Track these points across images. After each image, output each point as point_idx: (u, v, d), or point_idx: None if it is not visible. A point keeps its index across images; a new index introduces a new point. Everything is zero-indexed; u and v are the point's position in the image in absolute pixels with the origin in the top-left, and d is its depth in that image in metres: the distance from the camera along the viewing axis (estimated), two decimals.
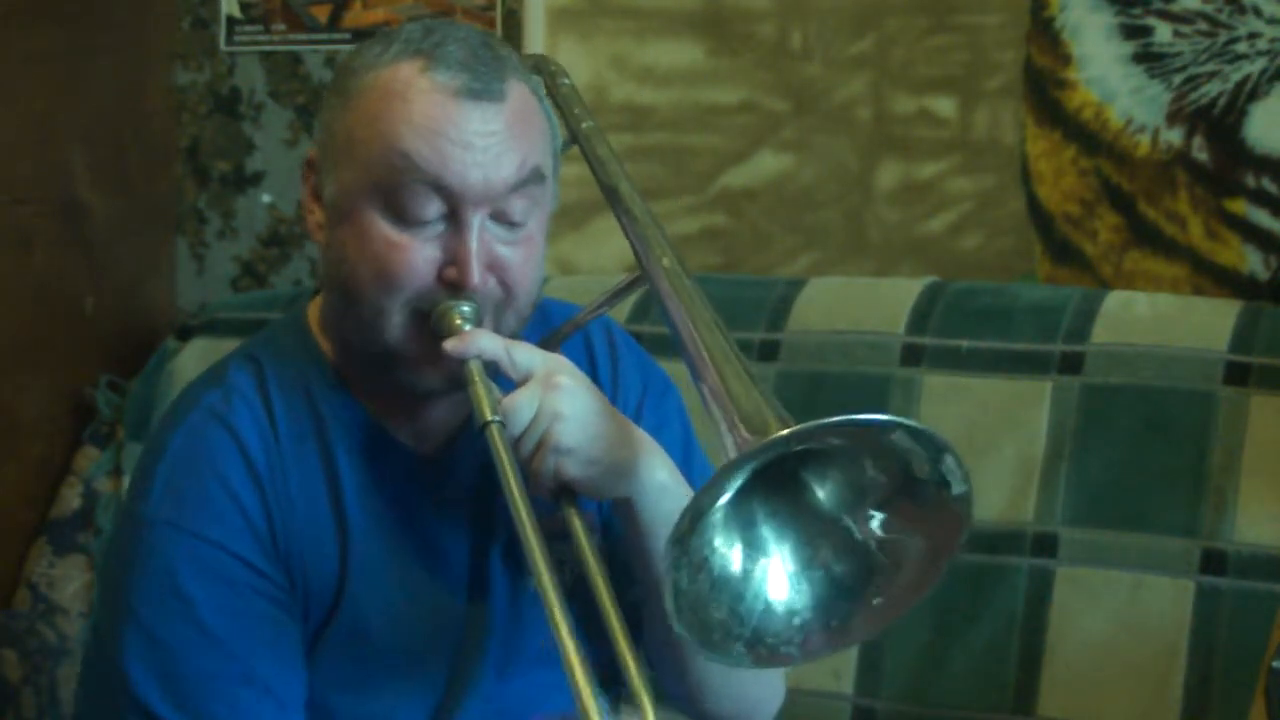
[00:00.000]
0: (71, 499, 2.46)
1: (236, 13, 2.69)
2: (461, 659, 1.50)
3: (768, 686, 1.60)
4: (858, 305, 2.24)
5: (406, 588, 1.48)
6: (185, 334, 2.54)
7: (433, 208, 1.40)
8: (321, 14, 2.66)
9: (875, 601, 1.26)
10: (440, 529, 1.50)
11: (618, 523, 1.48)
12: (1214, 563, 1.97)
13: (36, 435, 2.47)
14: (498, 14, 2.57)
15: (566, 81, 1.55)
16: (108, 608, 1.46)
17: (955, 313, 2.18)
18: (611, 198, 1.49)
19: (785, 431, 1.15)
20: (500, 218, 1.42)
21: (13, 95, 2.41)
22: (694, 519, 1.18)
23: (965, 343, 2.15)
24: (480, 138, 1.40)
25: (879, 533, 1.25)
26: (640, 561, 1.44)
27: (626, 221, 1.46)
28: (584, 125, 1.56)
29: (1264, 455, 1.99)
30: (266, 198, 2.70)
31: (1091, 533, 2.03)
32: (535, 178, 1.43)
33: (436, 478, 1.51)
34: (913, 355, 2.16)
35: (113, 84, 2.60)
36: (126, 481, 2.43)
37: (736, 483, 1.19)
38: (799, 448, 1.20)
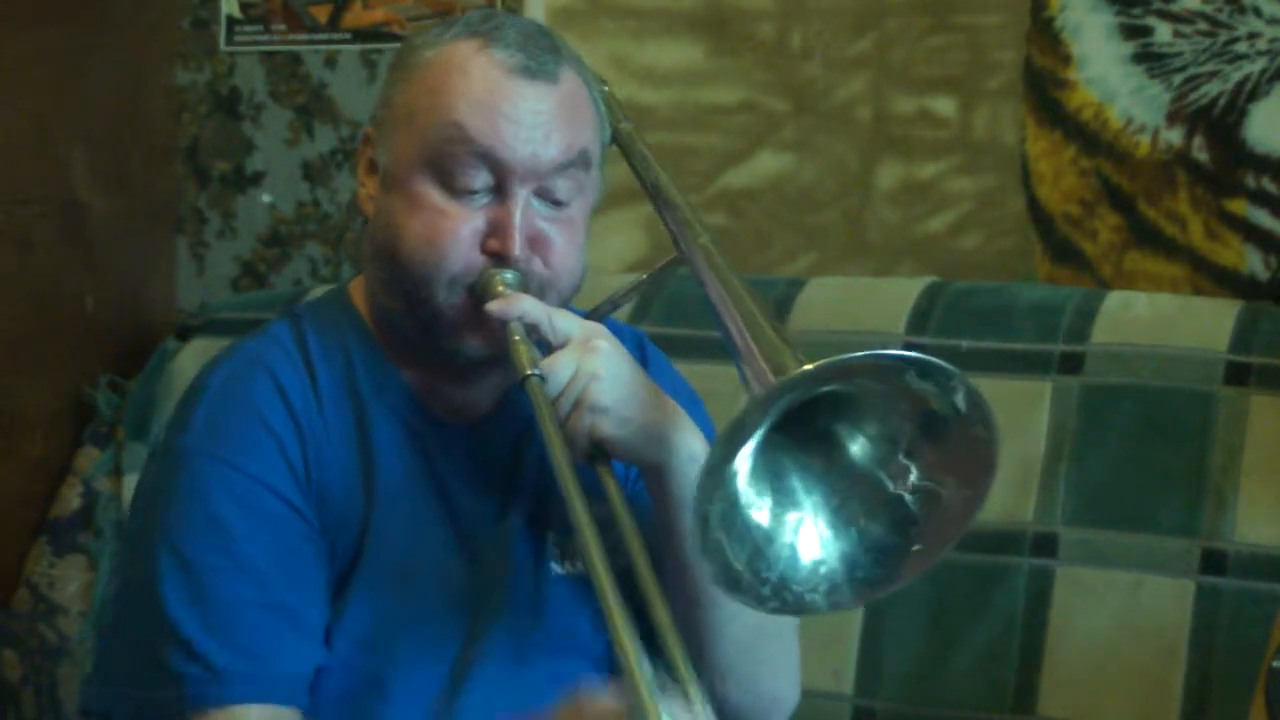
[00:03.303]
0: (71, 499, 2.46)
1: (236, 13, 2.69)
2: (472, 636, 1.50)
3: (785, 681, 1.61)
4: (858, 305, 2.24)
5: (427, 555, 1.50)
6: (185, 334, 2.54)
7: (481, 179, 1.45)
8: (321, 14, 2.66)
9: (903, 555, 1.28)
10: (467, 501, 1.52)
11: (643, 493, 1.49)
12: (1214, 563, 1.97)
13: (36, 435, 2.47)
14: (498, 13, 2.57)
15: (605, 88, 1.58)
16: (142, 535, 1.47)
17: (955, 313, 2.18)
18: (653, 191, 1.54)
19: (809, 366, 1.17)
20: (545, 195, 1.47)
21: (13, 95, 2.41)
22: (728, 449, 1.20)
23: (965, 343, 2.15)
24: (532, 114, 1.45)
25: (910, 484, 1.27)
26: (665, 533, 1.45)
27: (667, 211, 1.51)
28: (622, 125, 1.61)
29: (1264, 455, 1.99)
30: (266, 198, 2.70)
31: (1091, 533, 2.03)
32: (582, 160, 1.48)
33: (468, 448, 1.53)
34: None
35: (113, 84, 2.60)
36: (126, 481, 2.44)
37: (766, 422, 1.21)
38: (823, 388, 1.22)
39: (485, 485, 1.53)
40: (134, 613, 1.45)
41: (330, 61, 2.66)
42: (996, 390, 2.10)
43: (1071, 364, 2.09)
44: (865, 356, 1.19)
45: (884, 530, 1.28)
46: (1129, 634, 1.98)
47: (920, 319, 2.18)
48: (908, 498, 1.27)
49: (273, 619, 1.42)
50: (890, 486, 1.28)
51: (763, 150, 2.46)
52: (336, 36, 2.65)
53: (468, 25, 1.49)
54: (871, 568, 1.28)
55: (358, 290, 1.57)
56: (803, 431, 1.26)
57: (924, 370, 1.20)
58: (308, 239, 2.69)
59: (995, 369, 2.12)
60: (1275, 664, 1.64)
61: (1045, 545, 2.04)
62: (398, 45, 2.62)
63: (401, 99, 1.49)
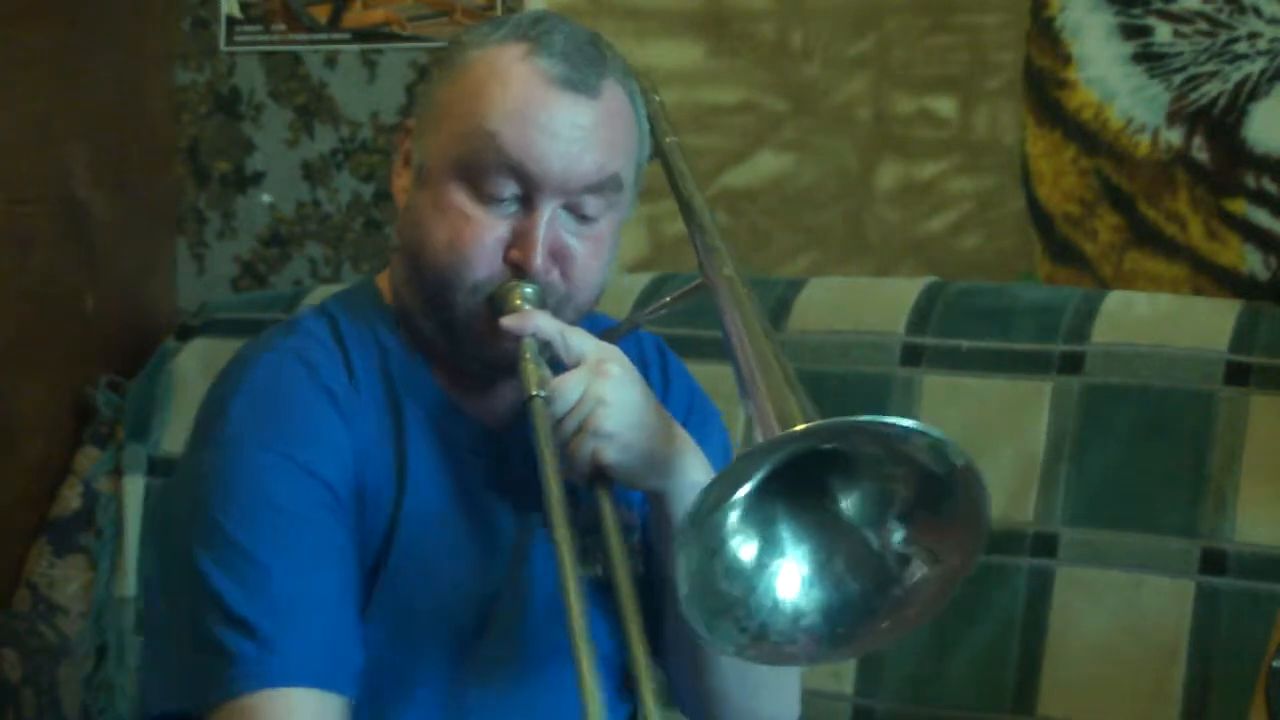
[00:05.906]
0: (71, 499, 2.46)
1: (236, 13, 2.69)
2: (490, 634, 1.50)
3: (783, 704, 1.60)
4: (858, 305, 2.24)
5: (451, 552, 1.49)
6: (185, 334, 2.54)
7: (509, 189, 1.44)
8: (321, 14, 2.66)
9: (884, 616, 1.27)
10: (492, 506, 1.52)
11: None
12: (1214, 563, 1.97)
13: (36, 435, 2.47)
14: (498, 14, 2.57)
15: (657, 99, 1.57)
16: (186, 532, 1.42)
17: (955, 313, 2.18)
18: (686, 209, 1.54)
19: (803, 426, 1.17)
20: (574, 210, 1.46)
21: (13, 95, 2.41)
22: (713, 500, 1.20)
23: (965, 343, 2.15)
24: (568, 128, 1.44)
25: (898, 547, 1.26)
26: (666, 559, 1.44)
27: (696, 233, 1.50)
28: (667, 140, 1.60)
29: (1264, 455, 1.99)
30: (266, 198, 2.70)
31: (1091, 533, 2.03)
32: (612, 184, 1.47)
33: (497, 454, 1.52)
34: (913, 355, 2.16)
35: (113, 84, 2.60)
36: (126, 482, 2.44)
37: (757, 473, 1.21)
38: (821, 445, 1.22)
39: (507, 485, 1.52)
40: (185, 606, 1.40)
41: (330, 61, 2.66)
42: (996, 390, 2.11)
43: (1072, 364, 2.09)
44: (867, 422, 1.18)
45: (867, 590, 1.27)
46: (1129, 634, 1.98)
47: (920, 319, 2.18)
48: (893, 560, 1.26)
49: (328, 608, 1.40)
50: (877, 546, 1.27)
51: (763, 150, 2.46)
52: (336, 36, 2.65)
53: (517, 26, 1.48)
54: (852, 625, 1.27)
55: (385, 284, 1.56)
56: (799, 480, 1.26)
57: (926, 440, 1.20)
58: (308, 239, 2.69)
59: (995, 369, 2.12)
60: (1275, 664, 1.64)
61: (1045, 545, 2.04)
62: (398, 45, 2.64)
63: (441, 97, 1.48)
